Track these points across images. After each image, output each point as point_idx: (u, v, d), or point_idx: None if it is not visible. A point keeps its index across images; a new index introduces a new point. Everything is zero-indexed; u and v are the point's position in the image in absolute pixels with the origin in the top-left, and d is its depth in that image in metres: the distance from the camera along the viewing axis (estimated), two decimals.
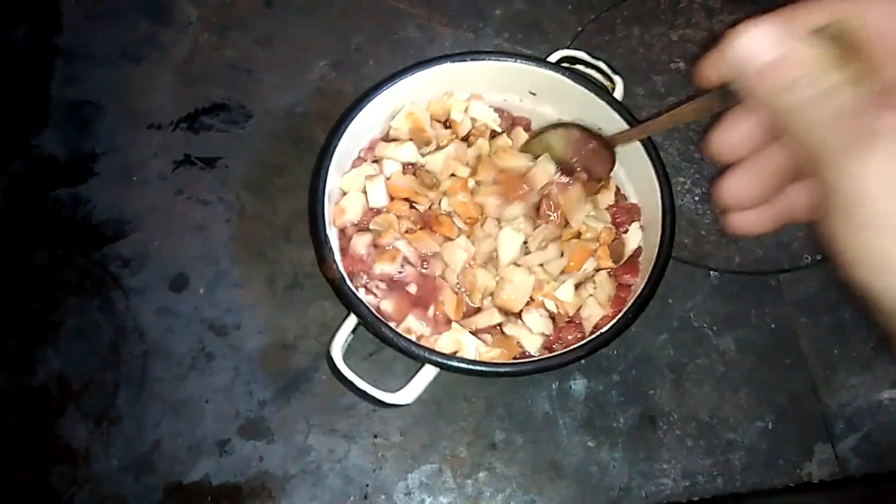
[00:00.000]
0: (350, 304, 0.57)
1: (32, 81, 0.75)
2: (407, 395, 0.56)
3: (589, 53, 0.69)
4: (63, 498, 0.60)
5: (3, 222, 0.69)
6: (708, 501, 0.64)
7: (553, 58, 0.69)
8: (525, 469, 0.64)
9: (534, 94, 0.69)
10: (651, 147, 0.64)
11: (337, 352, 0.57)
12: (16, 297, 0.66)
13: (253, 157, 0.73)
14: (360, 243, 0.62)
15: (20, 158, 0.71)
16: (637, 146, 0.63)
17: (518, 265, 0.63)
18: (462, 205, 0.64)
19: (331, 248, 0.59)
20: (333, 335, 0.57)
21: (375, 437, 0.63)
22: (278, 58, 0.79)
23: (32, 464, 0.61)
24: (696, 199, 0.75)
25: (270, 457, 0.62)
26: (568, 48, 0.72)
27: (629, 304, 0.59)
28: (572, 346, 0.58)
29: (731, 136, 0.40)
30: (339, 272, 0.58)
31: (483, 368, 0.56)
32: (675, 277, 0.70)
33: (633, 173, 0.67)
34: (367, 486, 0.62)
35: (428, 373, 0.57)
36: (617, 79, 0.68)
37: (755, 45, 0.34)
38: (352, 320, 0.58)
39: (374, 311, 0.58)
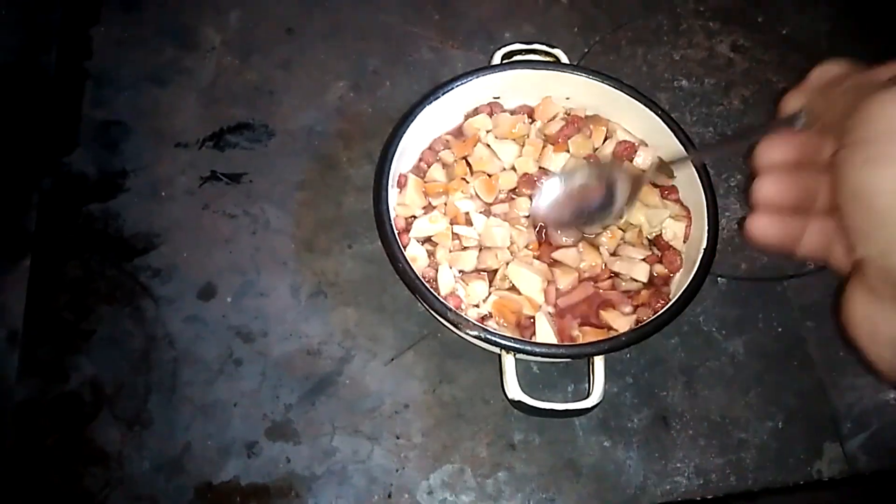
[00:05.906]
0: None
1: (64, 104, 0.79)
2: None
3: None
4: (96, 499, 0.61)
5: (37, 236, 0.72)
6: (721, 499, 0.66)
7: (496, 58, 0.75)
8: (543, 468, 0.65)
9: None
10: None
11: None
12: (49, 307, 0.69)
13: (276, 173, 0.77)
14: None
15: (52, 176, 0.74)
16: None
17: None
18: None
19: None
20: None
21: (398, 438, 0.65)
22: (298, 80, 0.82)
23: (66, 467, 0.63)
24: None
25: (297, 458, 0.64)
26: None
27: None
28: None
29: (776, 150, 0.43)
30: None
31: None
32: None
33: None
34: (391, 485, 0.64)
35: None
36: (557, 51, 0.76)
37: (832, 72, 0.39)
38: None
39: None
